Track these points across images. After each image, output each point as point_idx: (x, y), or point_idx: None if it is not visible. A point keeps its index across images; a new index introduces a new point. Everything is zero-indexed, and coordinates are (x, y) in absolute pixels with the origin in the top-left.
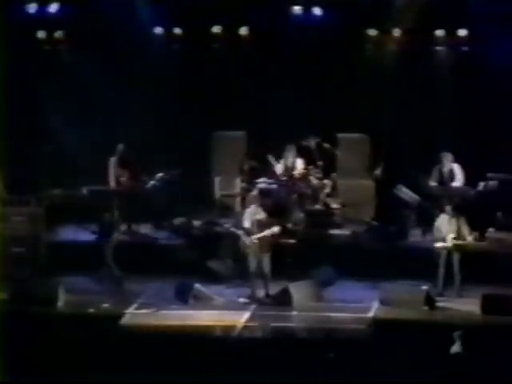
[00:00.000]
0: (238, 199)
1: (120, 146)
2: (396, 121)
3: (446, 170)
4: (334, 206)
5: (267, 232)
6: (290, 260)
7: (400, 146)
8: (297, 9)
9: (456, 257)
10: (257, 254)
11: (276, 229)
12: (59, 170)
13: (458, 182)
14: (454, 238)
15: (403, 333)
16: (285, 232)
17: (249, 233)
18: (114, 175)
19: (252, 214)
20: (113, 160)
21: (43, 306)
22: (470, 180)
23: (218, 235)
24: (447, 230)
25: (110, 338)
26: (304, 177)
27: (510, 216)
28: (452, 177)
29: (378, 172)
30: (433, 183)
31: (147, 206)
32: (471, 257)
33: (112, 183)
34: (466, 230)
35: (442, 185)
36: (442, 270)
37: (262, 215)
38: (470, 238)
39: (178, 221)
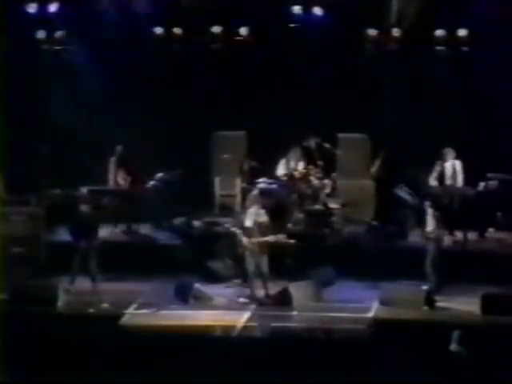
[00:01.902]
0: (238, 199)
1: (119, 147)
2: (395, 121)
3: (447, 166)
4: (334, 206)
5: (272, 238)
6: (289, 260)
7: (399, 145)
8: (297, 9)
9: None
10: (256, 254)
11: (281, 236)
12: (59, 169)
13: (458, 181)
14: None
15: (403, 333)
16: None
17: (250, 233)
18: (114, 175)
19: (254, 215)
20: (113, 160)
21: (43, 305)
22: (470, 180)
23: (218, 235)
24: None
25: (110, 338)
26: (304, 177)
27: (510, 216)
28: (453, 174)
29: (373, 170)
30: (433, 182)
31: (147, 206)
32: (471, 257)
33: (112, 183)
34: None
35: (442, 182)
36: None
37: (264, 218)
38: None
39: (177, 221)
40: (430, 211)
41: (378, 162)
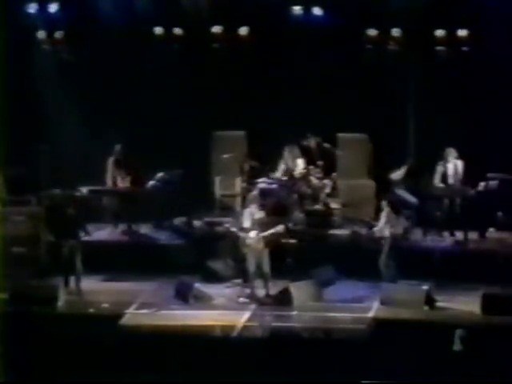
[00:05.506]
0: (239, 199)
1: (117, 147)
2: (396, 121)
3: (450, 166)
4: (334, 205)
5: (271, 230)
6: (290, 260)
7: (400, 146)
8: (297, 9)
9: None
10: (256, 253)
11: (280, 227)
12: (59, 169)
13: (458, 180)
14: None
15: (403, 333)
16: (285, 231)
17: (248, 233)
18: (112, 175)
19: (251, 214)
20: (111, 160)
21: (43, 305)
22: (471, 180)
23: (218, 235)
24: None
25: (110, 338)
26: (304, 177)
27: (510, 216)
28: (455, 174)
29: (400, 173)
30: (437, 182)
31: (147, 206)
32: (471, 257)
33: (109, 183)
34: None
35: (445, 182)
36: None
37: (260, 214)
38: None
39: (177, 221)
40: (386, 210)
41: (407, 165)
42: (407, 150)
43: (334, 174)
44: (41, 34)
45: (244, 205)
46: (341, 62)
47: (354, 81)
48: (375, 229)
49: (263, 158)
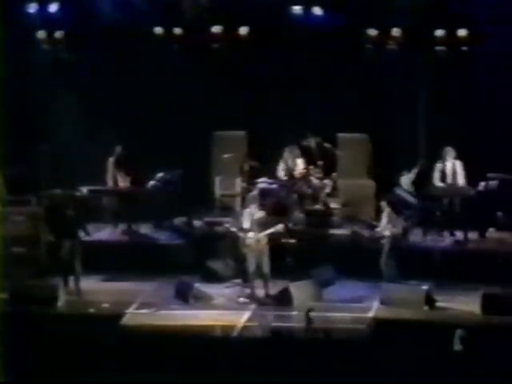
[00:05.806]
0: (239, 199)
1: (118, 148)
2: (396, 121)
3: (448, 165)
4: (334, 205)
5: (271, 230)
6: (290, 260)
7: (399, 145)
8: (297, 9)
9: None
10: (256, 253)
11: (280, 227)
12: (59, 169)
13: (460, 180)
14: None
15: (403, 333)
16: (285, 231)
17: (248, 233)
18: (112, 175)
19: (251, 214)
20: (111, 160)
21: (43, 306)
22: (471, 180)
23: (218, 235)
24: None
25: (110, 337)
26: (304, 177)
27: (510, 216)
28: (454, 173)
29: (410, 177)
30: (437, 182)
31: (147, 206)
32: (471, 257)
33: (110, 183)
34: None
35: (443, 181)
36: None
37: (259, 214)
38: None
39: (177, 221)
40: (386, 210)
41: (413, 172)
42: (409, 151)
43: (333, 174)
44: (41, 34)
45: (244, 205)
46: (341, 62)
47: (354, 81)
48: (378, 229)
49: (263, 158)
